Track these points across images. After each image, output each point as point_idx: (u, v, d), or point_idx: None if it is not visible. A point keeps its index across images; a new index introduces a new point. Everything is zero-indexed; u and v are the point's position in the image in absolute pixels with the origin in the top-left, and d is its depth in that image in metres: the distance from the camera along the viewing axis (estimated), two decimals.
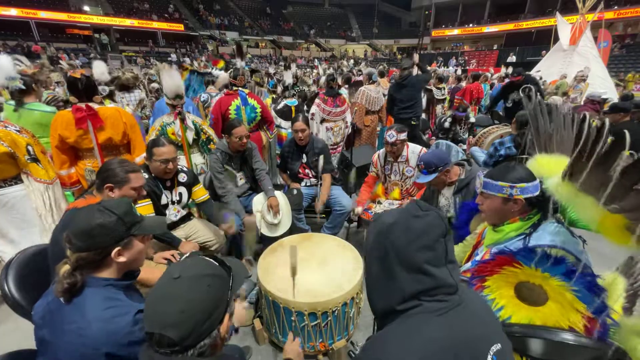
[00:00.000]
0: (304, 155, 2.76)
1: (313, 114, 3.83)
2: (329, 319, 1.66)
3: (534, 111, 1.28)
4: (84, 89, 2.15)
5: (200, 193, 2.27)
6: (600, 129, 0.80)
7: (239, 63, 4.55)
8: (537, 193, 1.20)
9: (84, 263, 0.95)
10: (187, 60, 15.70)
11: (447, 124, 4.53)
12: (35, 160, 2.12)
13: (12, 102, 2.55)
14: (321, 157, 2.62)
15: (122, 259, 1.01)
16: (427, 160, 2.00)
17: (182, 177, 2.15)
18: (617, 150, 0.76)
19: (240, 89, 3.18)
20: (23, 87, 2.53)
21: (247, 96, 3.16)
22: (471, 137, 4.44)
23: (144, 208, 1.89)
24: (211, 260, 0.85)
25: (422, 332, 0.68)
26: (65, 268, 0.95)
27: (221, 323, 0.78)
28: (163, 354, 0.71)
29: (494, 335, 0.74)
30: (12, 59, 2.59)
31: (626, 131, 0.74)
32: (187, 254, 1.74)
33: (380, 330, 0.77)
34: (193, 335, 0.72)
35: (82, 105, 2.14)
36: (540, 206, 1.22)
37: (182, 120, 2.60)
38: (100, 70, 3.95)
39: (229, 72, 3.56)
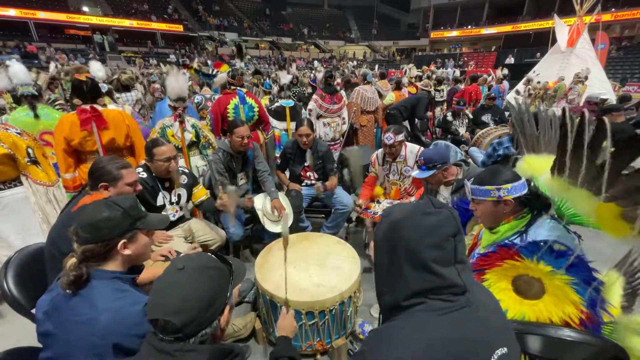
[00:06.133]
0: (307, 158, 2.76)
1: (310, 110, 3.87)
2: (327, 317, 1.67)
3: (519, 116, 1.32)
4: (88, 91, 2.18)
5: (200, 194, 2.28)
6: (581, 122, 0.81)
7: (239, 64, 4.58)
8: (524, 191, 1.22)
9: (90, 255, 0.98)
10: (187, 61, 15.69)
11: (449, 117, 4.91)
12: (35, 162, 2.13)
13: (16, 106, 2.60)
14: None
15: (127, 251, 1.04)
16: (428, 156, 1.99)
17: (183, 179, 2.17)
18: (600, 140, 0.78)
19: (238, 88, 3.19)
20: (36, 93, 2.59)
21: (245, 95, 3.18)
22: (467, 132, 4.74)
23: None
24: (213, 256, 0.89)
25: (423, 332, 0.67)
26: (72, 261, 0.97)
27: (221, 314, 0.82)
28: (166, 341, 0.74)
29: (500, 339, 0.71)
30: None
31: (605, 119, 0.75)
32: (183, 253, 1.76)
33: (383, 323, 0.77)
34: (195, 323, 0.75)
35: (87, 107, 2.16)
36: (532, 204, 1.24)
37: (181, 122, 2.63)
38: (96, 67, 4.08)
39: (227, 71, 3.58)
